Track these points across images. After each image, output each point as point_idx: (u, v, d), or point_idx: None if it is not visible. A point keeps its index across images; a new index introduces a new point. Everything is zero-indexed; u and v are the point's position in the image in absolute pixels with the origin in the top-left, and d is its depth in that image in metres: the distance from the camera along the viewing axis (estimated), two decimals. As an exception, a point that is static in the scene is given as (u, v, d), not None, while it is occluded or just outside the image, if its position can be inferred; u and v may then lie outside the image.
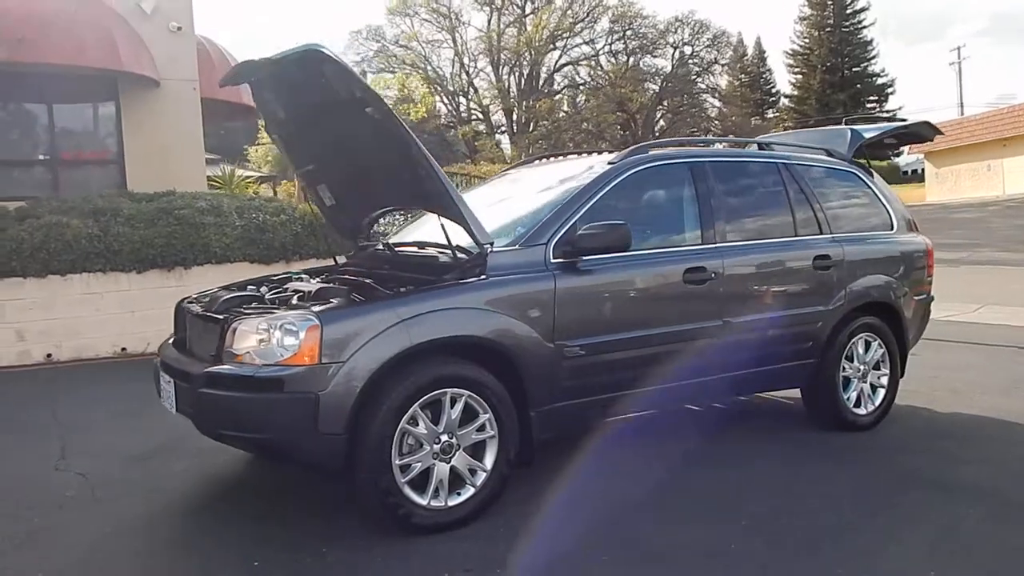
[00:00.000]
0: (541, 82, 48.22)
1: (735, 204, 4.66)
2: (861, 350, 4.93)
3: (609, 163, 4.33)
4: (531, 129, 45.18)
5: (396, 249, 4.40)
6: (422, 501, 3.39)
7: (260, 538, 3.40)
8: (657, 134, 48.15)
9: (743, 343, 4.38)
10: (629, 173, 4.28)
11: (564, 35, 47.40)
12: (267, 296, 3.91)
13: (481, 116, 47.26)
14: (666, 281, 4.17)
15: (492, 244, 3.70)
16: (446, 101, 46.80)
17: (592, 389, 3.89)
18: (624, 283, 4.04)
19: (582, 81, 50.59)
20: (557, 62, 49.17)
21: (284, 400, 3.20)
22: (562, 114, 48.73)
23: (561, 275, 3.78)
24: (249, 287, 4.18)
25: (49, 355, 7.96)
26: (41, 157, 10.88)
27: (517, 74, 47.07)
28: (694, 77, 53.16)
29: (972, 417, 5.22)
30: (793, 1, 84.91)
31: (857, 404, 4.91)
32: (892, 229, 5.28)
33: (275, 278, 4.52)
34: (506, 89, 46.28)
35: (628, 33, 50.78)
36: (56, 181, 10.73)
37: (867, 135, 5.63)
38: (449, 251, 3.79)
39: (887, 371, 5.05)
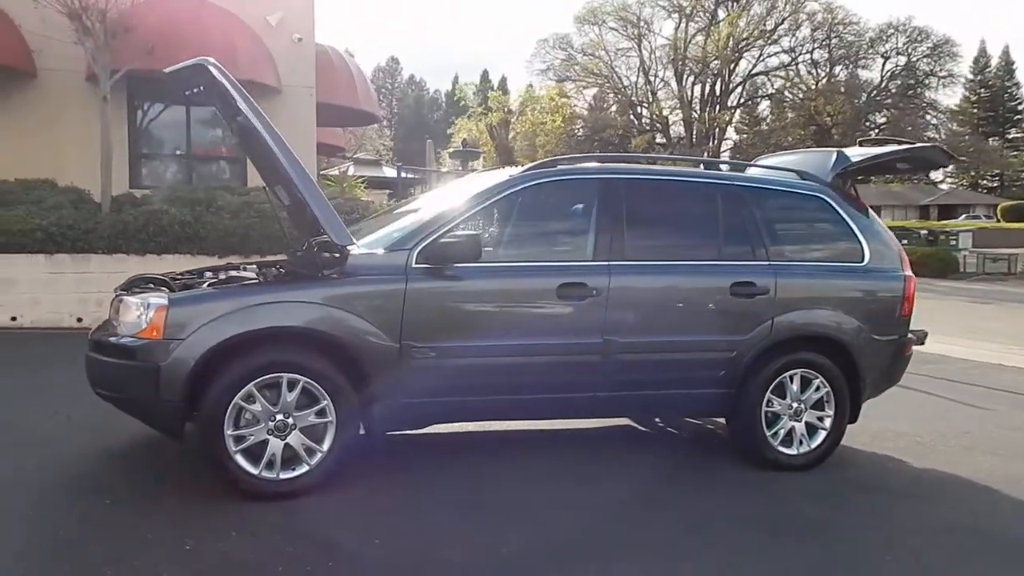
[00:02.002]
0: (728, 93, 47.10)
1: (645, 223, 4.71)
2: (795, 386, 4.76)
3: (509, 176, 4.59)
4: (710, 143, 44.21)
5: (310, 246, 4.91)
6: (253, 471, 3.87)
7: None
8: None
9: (631, 364, 4.46)
10: (524, 187, 4.51)
11: (758, 43, 45.99)
12: (178, 280, 4.55)
13: (659, 127, 46.92)
14: (536, 294, 4.34)
15: (352, 245, 4.10)
16: (622, 110, 46.90)
17: (444, 390, 4.18)
18: (489, 292, 4.28)
19: (773, 91, 48.73)
20: (750, 71, 47.80)
21: (134, 367, 3.83)
22: (742, 128, 47.18)
23: (418, 280, 4.11)
24: (185, 273, 4.87)
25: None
26: (178, 153, 12.59)
27: (701, 84, 46.29)
28: (909, 92, 49.52)
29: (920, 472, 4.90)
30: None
31: (788, 443, 4.77)
32: (862, 260, 5.01)
33: (227, 266, 5.18)
34: (687, 100, 45.65)
35: (833, 41, 48.34)
36: (190, 174, 12.42)
37: (854, 159, 5.39)
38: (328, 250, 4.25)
39: (831, 412, 4.83)
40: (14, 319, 9.17)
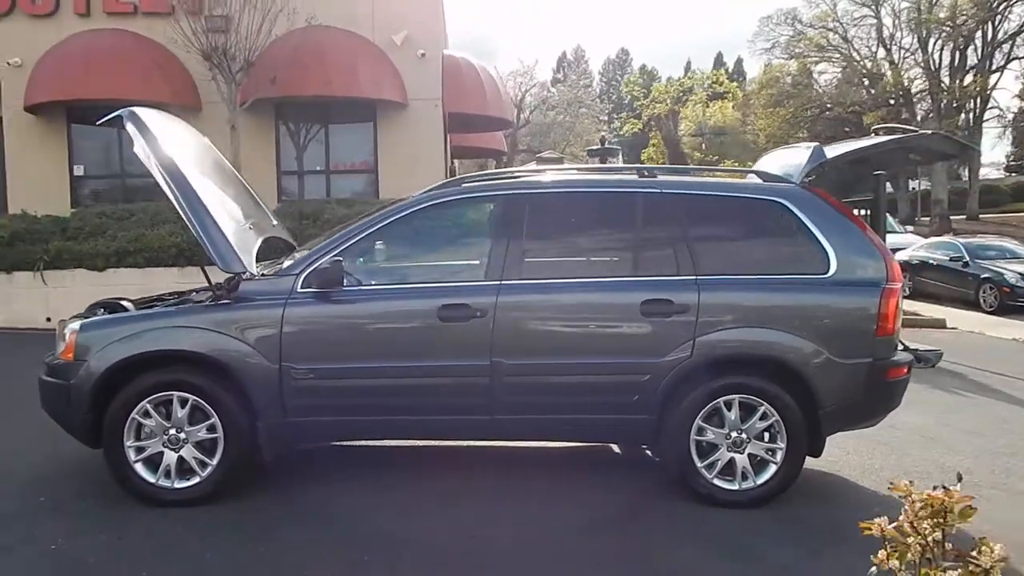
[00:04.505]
0: (991, 54, 41.70)
1: (549, 240, 4.62)
2: (733, 414, 4.40)
3: (417, 195, 4.74)
4: (963, 114, 39.48)
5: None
6: (151, 479, 4.38)
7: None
8: None
9: (523, 386, 4.41)
10: (424, 206, 4.63)
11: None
12: (142, 304, 5.17)
13: (899, 100, 42.70)
14: (417, 315, 4.44)
15: (244, 272, 4.49)
16: (855, 84, 43.24)
17: (327, 410, 4.44)
18: (369, 315, 4.47)
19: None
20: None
21: (54, 385, 4.51)
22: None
23: (297, 304, 4.40)
24: (158, 296, 5.50)
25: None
26: (318, 169, 13.88)
27: (953, 49, 41.42)
28: None
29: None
30: None
31: (728, 476, 4.43)
32: (826, 271, 4.47)
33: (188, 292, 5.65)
34: (934, 68, 41.11)
35: None
36: (328, 188, 13.66)
37: (831, 154, 4.86)
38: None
39: (782, 444, 4.39)
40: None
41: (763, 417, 4.38)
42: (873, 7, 43.10)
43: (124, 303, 4.93)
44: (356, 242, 4.57)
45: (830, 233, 4.52)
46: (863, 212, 5.22)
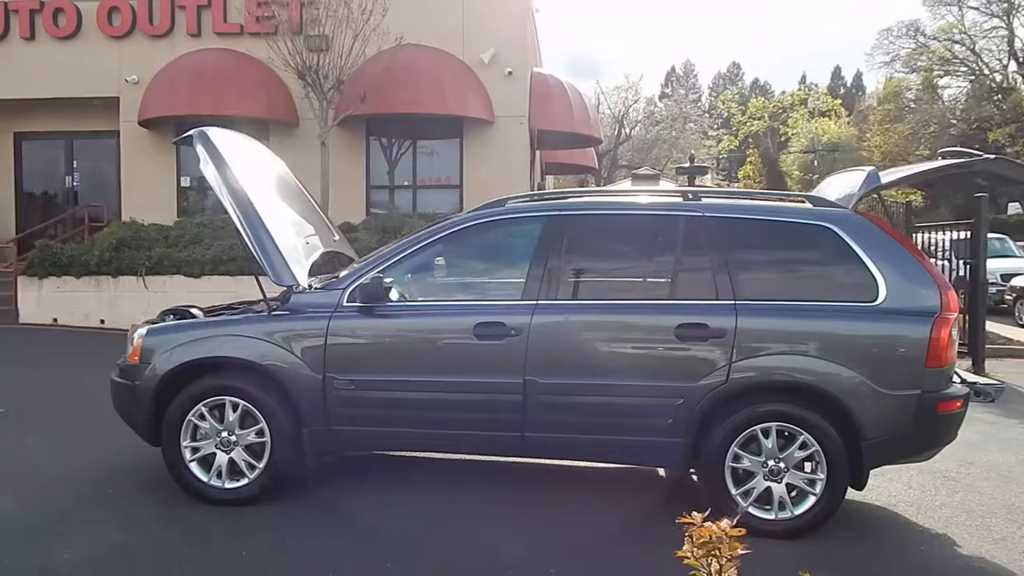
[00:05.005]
0: None
1: (589, 261, 4.71)
2: (771, 442, 4.34)
3: (463, 214, 4.92)
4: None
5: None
6: (204, 478, 4.69)
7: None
8: None
9: (556, 405, 4.49)
10: (468, 225, 4.80)
11: None
12: (211, 312, 5.52)
13: (1029, 115, 40.22)
14: (453, 333, 4.60)
15: (296, 285, 4.75)
16: (982, 99, 41.04)
17: (366, 420, 4.64)
18: (408, 330, 4.66)
19: None
20: None
21: (122, 385, 4.89)
22: None
23: (343, 317, 4.64)
24: (229, 304, 5.87)
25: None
26: (405, 183, 14.33)
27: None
28: None
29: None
30: None
31: (765, 505, 4.38)
32: (875, 299, 4.37)
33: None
34: (1072, 80, 38.60)
35: None
36: (415, 202, 14.08)
37: (886, 179, 4.77)
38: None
39: (822, 476, 4.31)
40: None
41: (803, 447, 4.30)
42: (1005, 18, 40.94)
43: (193, 310, 5.29)
44: (402, 258, 4.77)
45: (881, 260, 4.41)
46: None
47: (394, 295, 4.69)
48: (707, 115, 52.44)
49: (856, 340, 4.38)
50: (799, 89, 48.70)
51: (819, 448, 4.28)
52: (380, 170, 14.41)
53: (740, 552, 1.75)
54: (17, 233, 14.99)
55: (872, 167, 4.92)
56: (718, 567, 1.68)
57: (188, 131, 5.16)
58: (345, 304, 4.68)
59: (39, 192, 16.02)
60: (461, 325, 4.58)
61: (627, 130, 38.10)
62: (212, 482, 4.69)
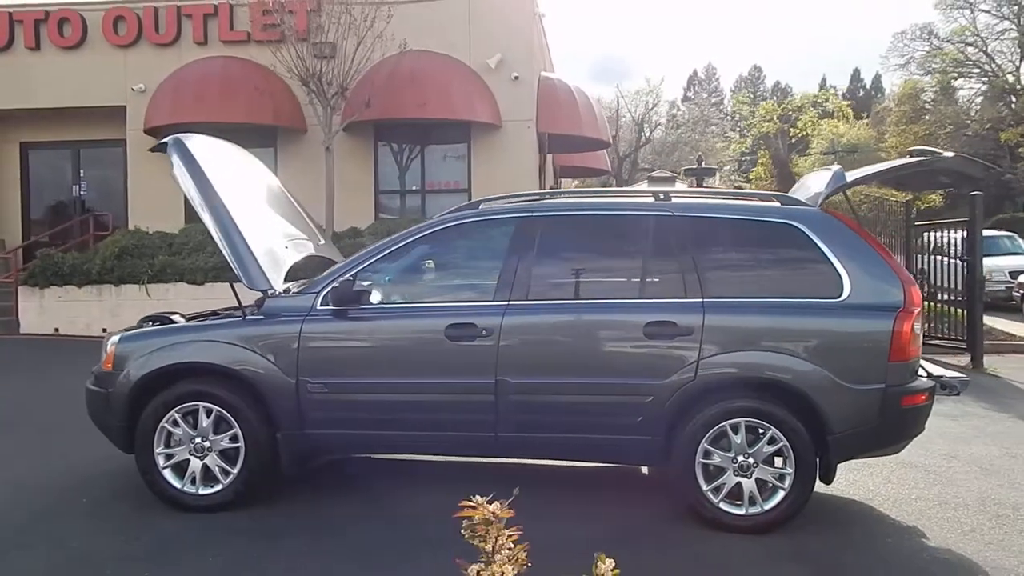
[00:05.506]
0: None
1: (560, 262, 4.70)
2: (740, 438, 4.33)
3: (436, 217, 4.89)
4: None
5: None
6: (178, 485, 4.66)
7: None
8: None
9: (528, 405, 4.47)
10: (441, 228, 4.79)
11: None
12: (189, 317, 5.52)
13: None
14: (425, 334, 4.57)
15: (270, 290, 4.73)
16: (995, 101, 40.59)
17: (340, 423, 4.62)
18: (380, 333, 4.65)
19: None
20: None
21: (96, 393, 4.88)
22: None
23: (315, 321, 4.61)
24: (220, 311, 5.82)
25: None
26: (414, 188, 14.36)
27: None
28: None
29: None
30: None
31: (735, 501, 4.35)
32: (839, 295, 4.38)
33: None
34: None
35: None
36: (423, 206, 14.08)
37: (851, 177, 4.89)
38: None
39: (790, 470, 4.31)
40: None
41: (771, 442, 4.33)
42: (1016, 20, 40.68)
43: (174, 317, 5.29)
44: (374, 262, 4.75)
45: (845, 257, 4.46)
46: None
47: (367, 298, 4.68)
48: (728, 118, 52.25)
49: (821, 336, 4.42)
50: (820, 91, 48.46)
51: (787, 443, 4.32)
52: (389, 175, 14.45)
53: (508, 534, 1.89)
54: (24, 243, 15.18)
55: (839, 166, 4.99)
56: (491, 547, 1.86)
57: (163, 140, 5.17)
58: (318, 308, 4.66)
59: (46, 202, 16.18)
60: (433, 327, 4.56)
61: (646, 133, 38.01)
62: (186, 488, 4.66)
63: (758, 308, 4.45)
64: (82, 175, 15.85)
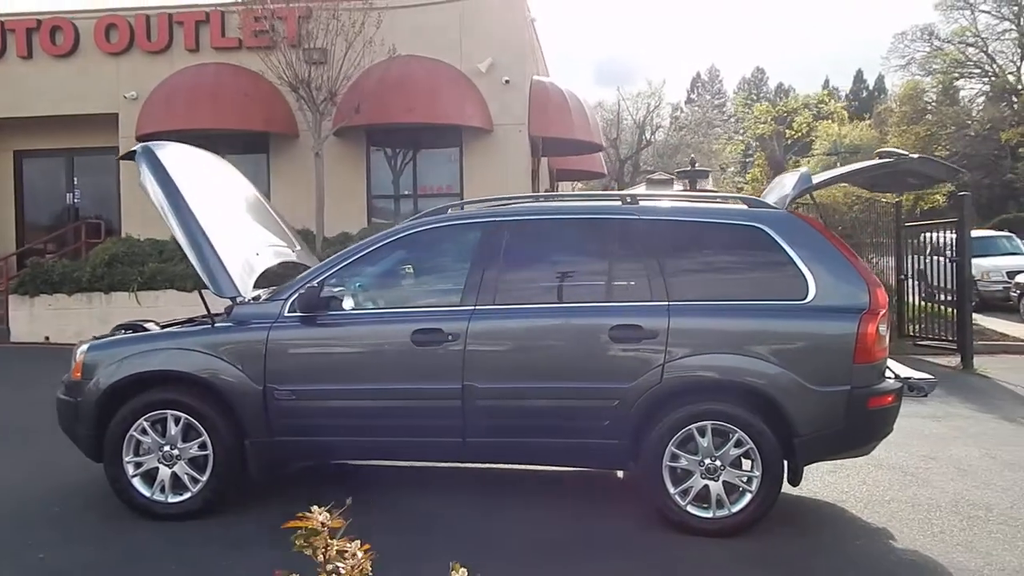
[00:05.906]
0: None
1: (526, 266, 4.73)
2: (707, 441, 4.35)
3: (403, 223, 4.93)
4: None
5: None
6: (147, 493, 4.70)
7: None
8: None
9: (496, 410, 4.50)
10: (408, 234, 4.85)
11: None
12: (164, 325, 5.55)
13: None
14: (391, 340, 4.62)
15: (238, 297, 4.76)
16: (995, 101, 40.52)
17: (308, 430, 4.65)
18: (346, 339, 4.69)
19: None
20: None
21: (65, 402, 4.92)
22: None
23: (281, 328, 4.65)
24: (196, 318, 5.86)
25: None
26: (406, 192, 14.41)
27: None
28: None
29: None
30: None
31: (703, 504, 4.37)
32: (804, 297, 4.40)
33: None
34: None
35: None
36: (416, 210, 14.08)
37: (818, 179, 4.97)
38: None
39: (757, 472, 4.33)
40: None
41: (738, 444, 4.36)
42: (1016, 21, 40.68)
43: (148, 325, 5.33)
44: (342, 268, 4.79)
45: (810, 259, 4.48)
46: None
47: (334, 304, 4.73)
48: (731, 120, 52.24)
49: (786, 338, 4.45)
50: (822, 92, 48.50)
51: (754, 446, 4.35)
52: (382, 180, 14.49)
53: (334, 545, 2.00)
54: (17, 250, 15.26)
55: (806, 169, 5.02)
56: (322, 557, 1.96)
57: (133, 148, 5.21)
58: (285, 315, 4.70)
59: (40, 209, 16.25)
60: (399, 332, 4.60)
61: (648, 136, 38.00)
62: (156, 497, 4.70)
63: (724, 311, 4.48)
64: (76, 183, 15.93)
